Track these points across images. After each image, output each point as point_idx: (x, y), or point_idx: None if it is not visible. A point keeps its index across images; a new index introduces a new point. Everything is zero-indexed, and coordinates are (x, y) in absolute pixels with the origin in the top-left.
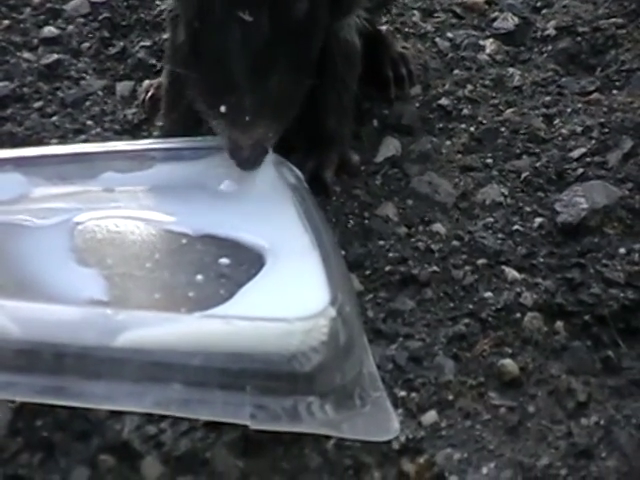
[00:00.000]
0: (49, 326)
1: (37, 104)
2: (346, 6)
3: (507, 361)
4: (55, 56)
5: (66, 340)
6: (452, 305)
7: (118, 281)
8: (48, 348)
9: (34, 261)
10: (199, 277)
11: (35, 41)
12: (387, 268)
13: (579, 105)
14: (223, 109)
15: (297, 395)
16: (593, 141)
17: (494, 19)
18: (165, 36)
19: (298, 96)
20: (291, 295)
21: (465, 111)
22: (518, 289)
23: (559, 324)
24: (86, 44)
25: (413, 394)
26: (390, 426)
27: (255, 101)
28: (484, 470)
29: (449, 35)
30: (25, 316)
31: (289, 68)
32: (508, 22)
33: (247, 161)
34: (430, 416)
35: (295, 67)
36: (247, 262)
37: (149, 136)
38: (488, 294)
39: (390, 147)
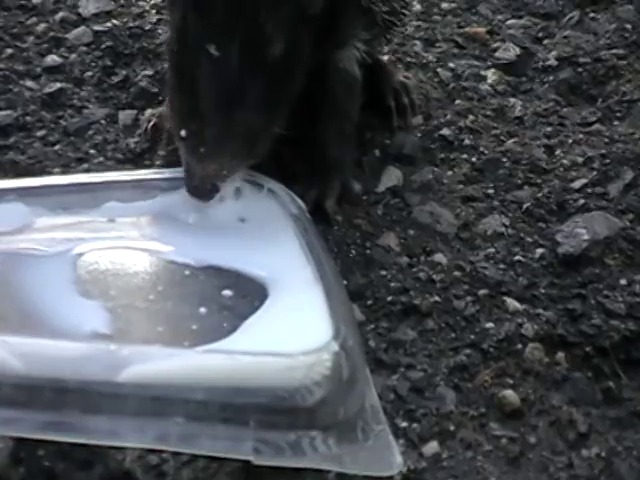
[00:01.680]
0: (52, 362)
1: (40, 133)
2: (340, 40)
3: (508, 392)
4: (58, 85)
5: (69, 375)
6: (453, 335)
7: (121, 313)
8: (51, 383)
9: (37, 292)
10: (202, 309)
11: (38, 70)
12: (389, 298)
13: (580, 136)
14: (183, 134)
15: (300, 429)
16: (594, 172)
17: (495, 49)
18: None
19: (263, 140)
20: (294, 328)
21: (466, 141)
22: (519, 320)
23: (560, 355)
24: (89, 73)
25: (414, 424)
26: (393, 460)
27: (213, 135)
28: None
29: (451, 65)
30: (28, 352)
31: (256, 108)
32: (509, 52)
33: (195, 190)
34: (431, 447)
35: (264, 109)
36: (250, 294)
37: (151, 165)
38: (489, 325)
39: (392, 177)
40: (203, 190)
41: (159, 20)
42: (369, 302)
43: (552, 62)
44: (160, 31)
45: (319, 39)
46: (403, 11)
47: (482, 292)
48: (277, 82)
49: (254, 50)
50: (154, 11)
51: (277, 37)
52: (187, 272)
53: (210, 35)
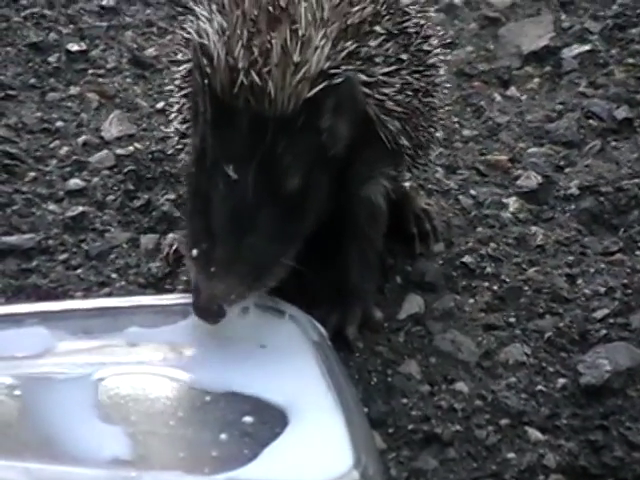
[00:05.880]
0: None
1: (62, 256)
2: (363, 178)
3: None
4: (80, 208)
5: None
6: (475, 465)
7: (142, 439)
8: None
9: (58, 416)
10: (223, 436)
11: (61, 193)
12: (410, 426)
13: (602, 265)
14: (195, 253)
15: None
16: (616, 302)
17: (517, 177)
18: None
19: (272, 269)
20: (314, 456)
21: (488, 269)
22: (541, 450)
23: None
24: (111, 196)
25: None
26: None
27: (223, 256)
28: None
29: (472, 192)
30: (49, 479)
31: (267, 237)
32: (531, 180)
33: (202, 311)
34: None
35: (274, 239)
36: (271, 421)
37: (173, 290)
38: (511, 455)
39: (413, 304)
40: (209, 311)
41: (181, 144)
42: (390, 430)
43: (574, 191)
44: (182, 156)
45: (341, 177)
46: (429, 144)
47: (504, 422)
48: (290, 216)
49: (269, 180)
50: (176, 135)
51: (294, 172)
52: (208, 398)
53: (228, 157)
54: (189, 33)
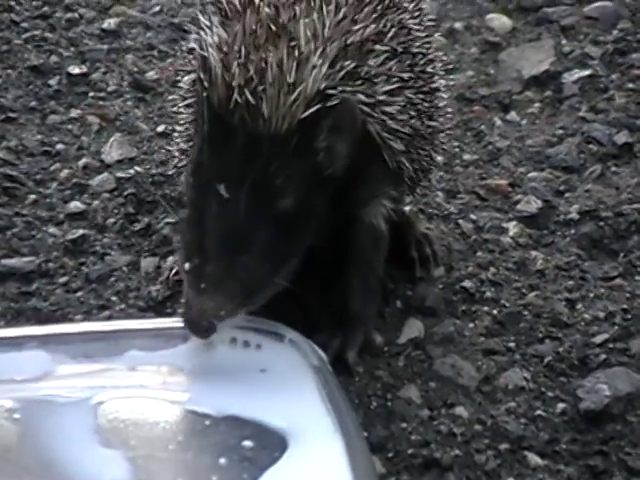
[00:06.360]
0: None
1: (62, 279)
2: (365, 199)
3: None
4: (80, 231)
5: None
6: None
7: (142, 464)
8: None
9: (58, 440)
10: (222, 460)
11: (61, 216)
12: (410, 451)
13: (602, 290)
14: (187, 267)
15: None
16: (616, 327)
17: (517, 202)
18: None
19: (263, 288)
20: None
21: (488, 294)
22: (541, 475)
23: None
24: (111, 220)
25: None
26: None
27: (214, 273)
28: None
29: (472, 217)
30: None
31: (259, 256)
32: (531, 205)
33: (192, 325)
34: None
35: (266, 258)
36: (270, 445)
37: (173, 313)
38: None
39: (413, 329)
40: (199, 326)
41: (183, 163)
42: (390, 454)
43: (574, 215)
44: (182, 178)
45: (342, 197)
46: (430, 168)
47: (503, 446)
48: (283, 235)
49: (262, 199)
50: (180, 154)
51: (288, 192)
52: (207, 422)
53: (221, 172)
54: (194, 43)
